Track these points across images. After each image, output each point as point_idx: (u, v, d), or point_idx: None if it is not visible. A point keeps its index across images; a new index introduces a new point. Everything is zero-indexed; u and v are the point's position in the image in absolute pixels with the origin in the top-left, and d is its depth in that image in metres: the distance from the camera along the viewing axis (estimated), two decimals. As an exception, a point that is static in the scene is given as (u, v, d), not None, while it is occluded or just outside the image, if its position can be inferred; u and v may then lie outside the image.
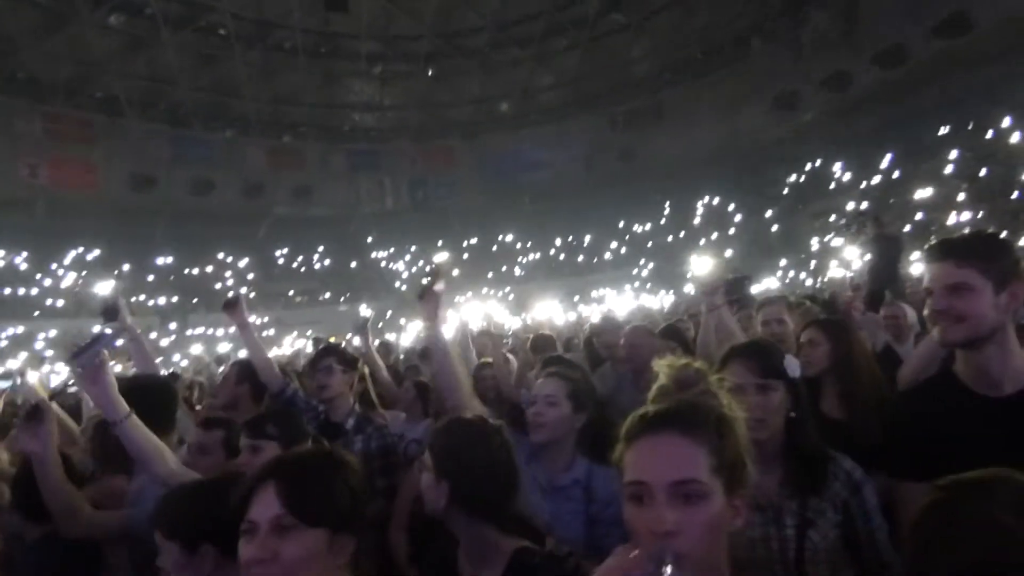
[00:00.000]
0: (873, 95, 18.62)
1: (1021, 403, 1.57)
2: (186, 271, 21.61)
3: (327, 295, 23.68)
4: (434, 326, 2.40)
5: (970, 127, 16.63)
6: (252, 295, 21.07)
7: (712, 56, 21.66)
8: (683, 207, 22.83)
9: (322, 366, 3.06)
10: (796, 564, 1.64)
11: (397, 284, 22.84)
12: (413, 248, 23.66)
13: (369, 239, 24.04)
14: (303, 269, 24.69)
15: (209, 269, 21.80)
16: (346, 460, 1.36)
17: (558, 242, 24.54)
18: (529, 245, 24.70)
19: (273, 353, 4.56)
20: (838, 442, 1.96)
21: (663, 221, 23.41)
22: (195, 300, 20.73)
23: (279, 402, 2.94)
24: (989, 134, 16.09)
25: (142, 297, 19.35)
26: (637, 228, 23.78)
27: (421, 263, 22.18)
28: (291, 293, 23.74)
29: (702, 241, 21.17)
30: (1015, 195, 14.38)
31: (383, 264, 24.17)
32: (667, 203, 23.30)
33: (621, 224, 24.07)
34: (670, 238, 22.59)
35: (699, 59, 21.97)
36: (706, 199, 22.34)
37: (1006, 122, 15.59)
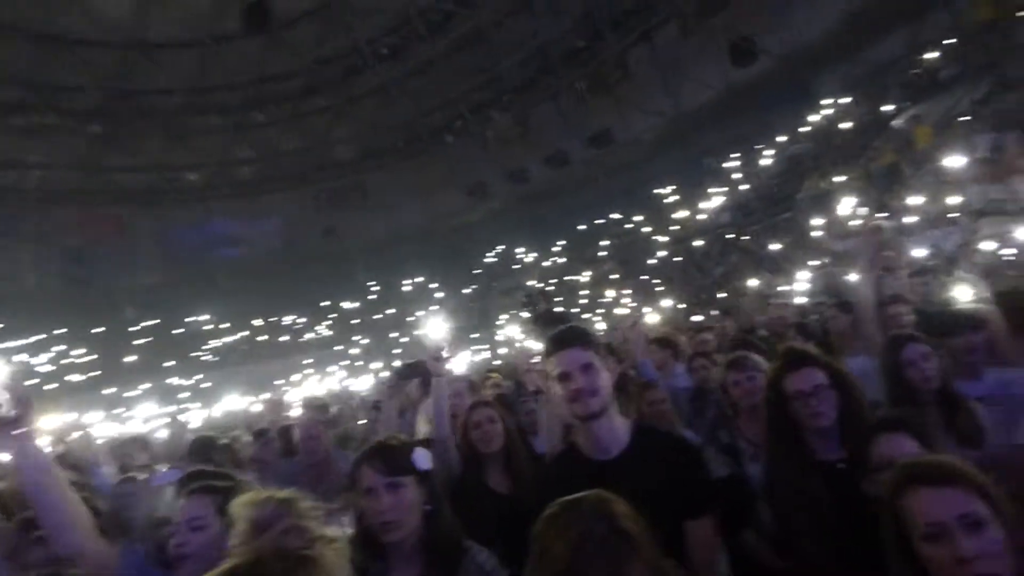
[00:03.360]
0: (546, 190, 21.60)
1: (626, 463, 1.84)
2: None
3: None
4: (27, 448, 1.83)
5: (614, 218, 20.35)
6: None
7: (412, 143, 22.96)
8: (390, 285, 23.29)
9: None
10: None
11: (35, 381, 18.44)
12: (62, 332, 19.49)
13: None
14: None
15: None
16: None
17: (257, 323, 22.79)
18: (223, 327, 22.44)
19: None
20: (504, 514, 2.22)
21: (369, 300, 23.49)
22: None
23: None
24: (627, 225, 19.90)
25: None
26: (342, 307, 23.40)
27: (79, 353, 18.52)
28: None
29: (409, 318, 21.84)
30: (646, 277, 17.72)
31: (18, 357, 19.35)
32: (372, 282, 23.52)
33: (327, 303, 23.46)
34: (376, 316, 22.74)
35: (398, 147, 23.09)
36: (411, 277, 23.15)
37: (638, 216, 19.49)
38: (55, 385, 17.34)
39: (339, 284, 23.44)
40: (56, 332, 19.20)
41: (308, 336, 22.90)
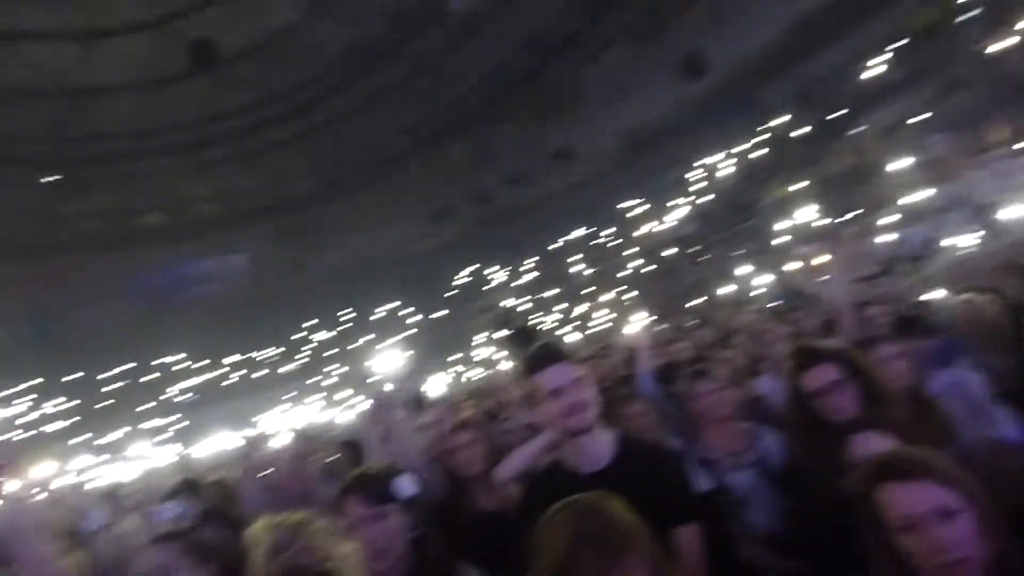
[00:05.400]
0: (511, 210, 21.79)
1: (611, 475, 1.85)
2: None
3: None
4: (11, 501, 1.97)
5: (582, 233, 20.63)
6: None
7: (371, 171, 22.95)
8: (362, 314, 23.14)
9: None
10: None
11: (14, 433, 17.94)
12: (37, 382, 19.03)
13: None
14: None
15: None
16: None
17: (233, 359, 22.43)
18: (195, 367, 22.03)
19: None
20: (492, 534, 2.21)
21: (342, 329, 23.31)
22: None
23: None
24: (596, 241, 20.20)
25: None
26: (316, 338, 23.16)
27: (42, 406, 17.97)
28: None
29: (379, 346, 21.58)
30: (624, 287, 18.02)
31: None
32: (344, 311, 23.35)
33: (299, 335, 23.20)
34: (350, 346, 22.55)
35: (359, 176, 23.07)
36: (382, 305, 23.05)
37: (608, 230, 19.81)
38: (33, 433, 16.98)
39: (311, 316, 23.23)
40: (31, 383, 18.76)
41: (285, 369, 22.58)
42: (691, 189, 17.51)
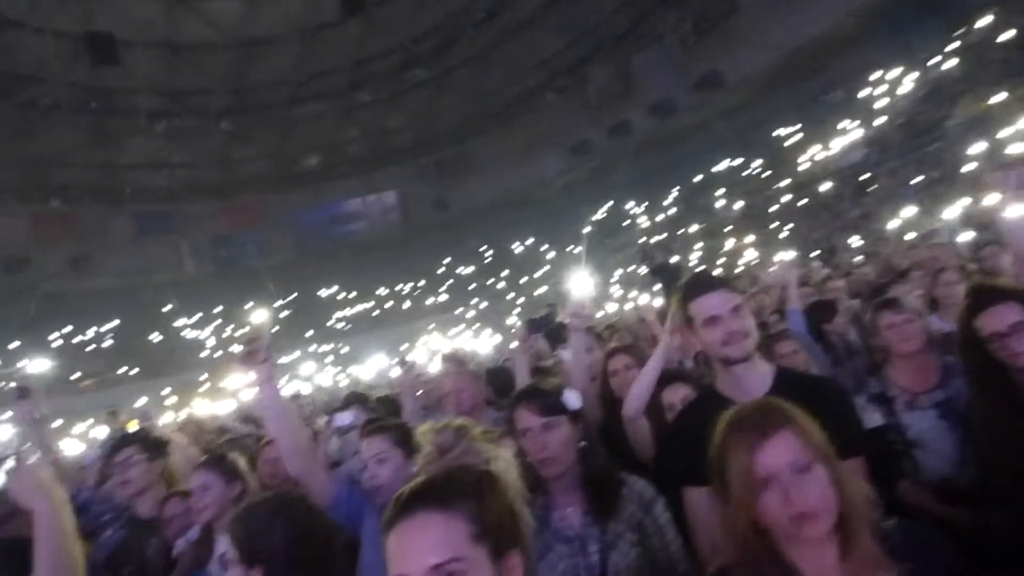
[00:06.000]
0: (652, 141, 20.84)
1: None
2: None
3: (128, 372, 20.96)
4: (268, 387, 2.22)
5: (729, 165, 19.26)
6: (27, 384, 18.03)
7: (512, 107, 22.90)
8: (501, 249, 23.70)
9: (119, 459, 2.74)
10: None
11: (205, 352, 20.86)
12: (219, 310, 21.80)
13: (167, 307, 21.73)
14: (90, 348, 21.63)
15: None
16: None
17: (381, 292, 24.14)
18: (351, 297, 24.01)
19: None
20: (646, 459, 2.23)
21: (483, 264, 24.07)
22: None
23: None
24: (745, 172, 18.78)
25: None
26: (458, 272, 24.17)
27: (232, 327, 20.50)
28: (75, 376, 20.59)
29: (523, 280, 22.24)
30: (775, 224, 16.75)
31: (187, 333, 21.95)
32: (484, 247, 24.01)
33: (442, 270, 24.33)
34: (491, 280, 23.31)
35: (499, 112, 23.11)
36: (521, 240, 23.39)
37: (758, 161, 18.34)
38: (220, 354, 19.49)
39: (454, 251, 24.21)
40: (215, 310, 21.51)
41: (428, 301, 23.92)
42: (860, 111, 15.51)
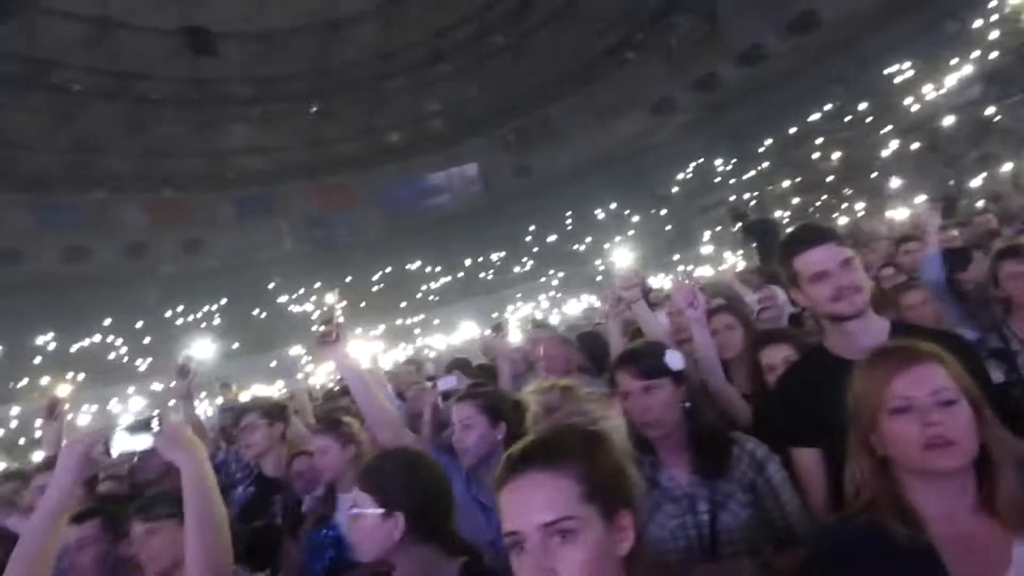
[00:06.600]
0: (740, 92, 19.77)
1: None
2: (73, 347, 19.86)
3: (237, 347, 22.54)
4: (346, 363, 2.40)
5: (827, 112, 17.94)
6: (150, 361, 19.88)
7: (589, 68, 22.35)
8: (583, 215, 23.42)
9: (243, 424, 3.07)
10: (712, 547, 1.70)
11: (312, 328, 22.01)
12: (318, 286, 22.92)
13: (271, 285, 23.08)
14: (203, 325, 23.36)
15: (96, 339, 20.22)
16: None
17: (467, 263, 24.54)
18: (438, 270, 24.56)
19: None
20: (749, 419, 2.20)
21: (566, 231, 23.90)
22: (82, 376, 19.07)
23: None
24: (847, 118, 17.44)
25: (25, 381, 17.57)
26: (542, 240, 24.15)
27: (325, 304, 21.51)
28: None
29: (606, 246, 21.87)
30: (874, 175, 15.59)
31: (290, 309, 23.28)
32: (567, 213, 23.81)
33: (527, 239, 24.38)
34: (575, 247, 23.13)
35: (577, 73, 22.61)
36: (604, 205, 22.98)
37: (862, 105, 16.98)
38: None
39: (537, 219, 24.18)
40: (315, 286, 22.66)
41: (515, 270, 24.10)
42: (978, 42, 13.98)
